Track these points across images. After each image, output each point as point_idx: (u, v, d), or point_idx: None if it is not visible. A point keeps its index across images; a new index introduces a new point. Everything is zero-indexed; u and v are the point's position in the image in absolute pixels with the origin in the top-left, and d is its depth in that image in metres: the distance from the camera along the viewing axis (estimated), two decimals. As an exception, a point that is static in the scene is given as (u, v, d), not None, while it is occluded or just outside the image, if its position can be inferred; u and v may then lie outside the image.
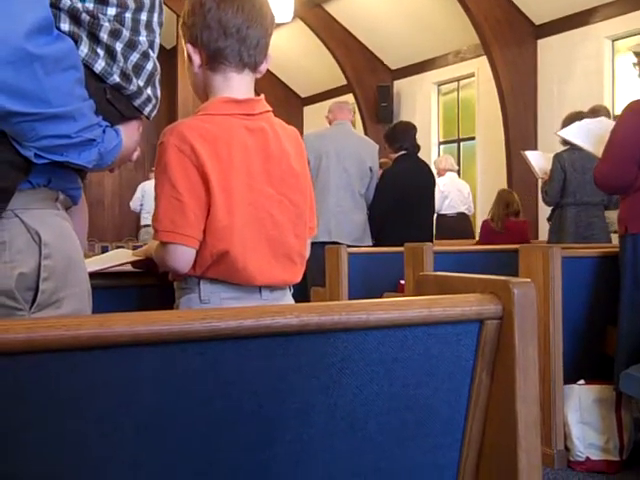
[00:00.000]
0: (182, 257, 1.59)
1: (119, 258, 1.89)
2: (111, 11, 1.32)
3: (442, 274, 1.09)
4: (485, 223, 6.00)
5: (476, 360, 0.96)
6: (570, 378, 3.17)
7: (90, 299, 1.41)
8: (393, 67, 10.60)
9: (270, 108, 1.73)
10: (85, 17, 1.28)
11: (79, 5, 1.28)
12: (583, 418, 3.14)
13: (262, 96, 1.73)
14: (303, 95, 12.69)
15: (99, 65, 1.31)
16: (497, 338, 0.96)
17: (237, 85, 1.68)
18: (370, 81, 10.52)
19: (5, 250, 1.25)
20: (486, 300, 0.95)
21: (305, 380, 0.86)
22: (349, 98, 9.91)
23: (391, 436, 0.93)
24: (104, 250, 8.41)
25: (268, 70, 1.76)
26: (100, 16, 1.30)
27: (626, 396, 3.08)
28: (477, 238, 6.62)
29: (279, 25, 1.74)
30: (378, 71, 10.62)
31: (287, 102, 12.11)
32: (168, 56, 12.12)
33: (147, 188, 10.22)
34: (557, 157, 4.80)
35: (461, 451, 0.98)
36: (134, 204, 10.75)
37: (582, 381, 3.19)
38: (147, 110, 1.44)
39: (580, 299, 3.29)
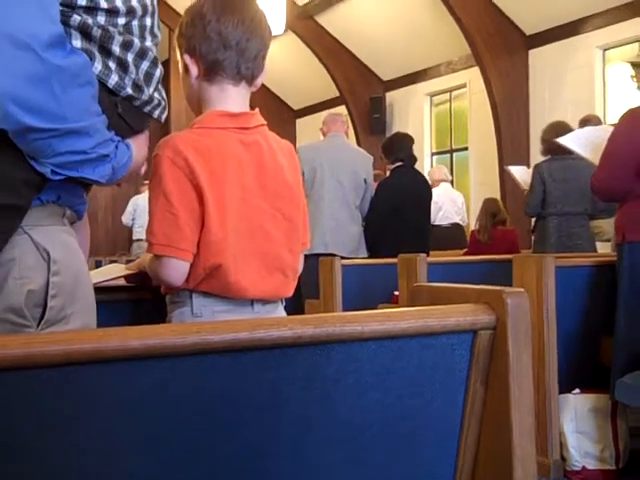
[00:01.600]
0: (176, 270, 1.59)
1: (112, 272, 1.89)
2: (121, 20, 1.32)
3: (436, 285, 1.09)
4: (473, 234, 6.00)
5: (470, 370, 0.96)
6: (565, 387, 3.17)
7: (95, 313, 1.41)
8: (385, 78, 10.64)
9: (265, 122, 1.73)
10: (96, 31, 1.28)
11: (90, 21, 1.28)
12: (579, 427, 3.13)
13: (257, 110, 1.73)
14: (295, 107, 12.71)
15: (112, 80, 1.31)
16: (491, 348, 0.96)
17: (233, 98, 1.68)
18: (362, 93, 10.55)
19: (15, 267, 1.25)
20: (480, 310, 0.96)
21: (300, 392, 0.86)
22: (341, 110, 9.94)
23: (386, 446, 0.93)
24: (98, 264, 8.38)
25: (260, 83, 1.77)
26: (111, 28, 1.30)
27: (621, 405, 3.08)
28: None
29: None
30: (370, 83, 10.66)
31: (279, 114, 12.14)
32: (161, 69, 12.12)
33: (139, 202, 10.15)
34: (536, 168, 4.83)
35: (456, 461, 0.98)
36: (126, 218, 10.68)
37: (577, 390, 3.19)
38: (157, 113, 1.45)
39: (575, 308, 3.29)
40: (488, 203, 5.95)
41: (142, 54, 1.36)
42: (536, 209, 4.81)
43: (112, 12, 1.30)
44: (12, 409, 0.71)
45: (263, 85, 1.77)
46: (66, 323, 1.30)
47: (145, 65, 1.37)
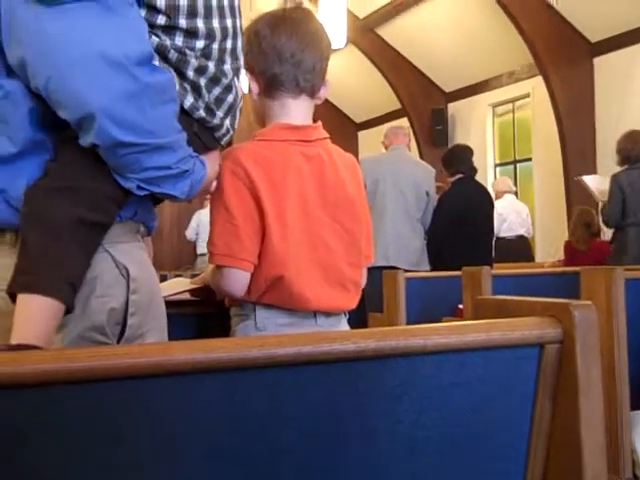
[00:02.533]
0: (237, 281, 1.60)
1: (178, 286, 1.92)
2: (199, 44, 1.34)
3: (500, 298, 1.07)
4: (567, 244, 5.90)
5: (537, 385, 0.94)
6: (637, 404, 3.08)
7: (166, 329, 1.43)
8: (447, 90, 10.58)
9: (327, 135, 1.74)
10: (173, 54, 1.31)
11: (167, 42, 1.30)
12: (651, 444, 3.04)
13: (319, 123, 1.74)
14: (357, 120, 12.73)
15: (188, 101, 1.34)
16: (558, 362, 0.94)
17: (294, 111, 1.69)
18: (424, 104, 10.52)
19: (97, 285, 1.27)
20: (546, 323, 0.94)
21: (364, 406, 0.85)
22: (403, 122, 9.91)
23: (452, 462, 0.91)
24: (163, 279, 8.52)
25: (322, 96, 1.77)
26: (188, 52, 1.32)
27: (696, 421, 2.98)
28: (535, 260, 6.52)
29: (332, 51, 1.76)
30: (432, 94, 10.61)
31: (342, 127, 12.17)
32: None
33: (202, 217, 10.24)
34: (614, 177, 4.71)
35: (525, 478, 0.96)
36: (190, 233, 10.80)
37: (650, 406, 3.09)
38: (224, 141, 1.48)
39: (646, 322, 3.20)
40: (582, 214, 5.84)
41: (216, 80, 1.38)
42: (616, 220, 4.69)
43: (191, 33, 1.33)
44: (76, 423, 0.72)
45: (325, 99, 1.77)
46: (142, 341, 1.32)
47: (217, 91, 1.39)
